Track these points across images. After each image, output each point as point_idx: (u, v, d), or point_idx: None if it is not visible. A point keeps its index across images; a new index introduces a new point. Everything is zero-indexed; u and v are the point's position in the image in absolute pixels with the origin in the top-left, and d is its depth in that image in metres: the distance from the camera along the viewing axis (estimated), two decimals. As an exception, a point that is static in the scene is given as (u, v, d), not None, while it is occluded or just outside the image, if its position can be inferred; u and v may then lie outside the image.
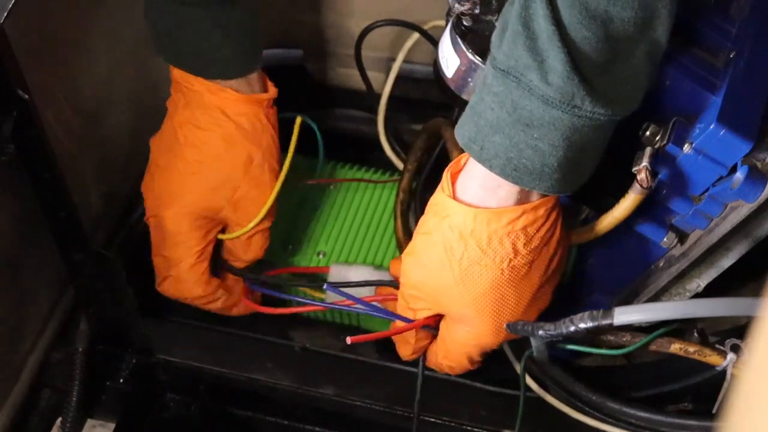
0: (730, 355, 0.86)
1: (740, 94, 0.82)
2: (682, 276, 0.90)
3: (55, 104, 1.02)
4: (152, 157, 1.05)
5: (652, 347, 0.88)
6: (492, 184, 0.83)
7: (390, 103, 1.21)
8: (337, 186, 1.17)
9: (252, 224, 1.04)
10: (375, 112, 1.21)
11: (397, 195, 1.12)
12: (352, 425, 1.10)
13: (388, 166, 1.20)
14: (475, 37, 0.92)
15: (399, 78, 1.20)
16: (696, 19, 0.86)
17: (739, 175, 0.80)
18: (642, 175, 0.83)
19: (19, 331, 1.08)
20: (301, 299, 1.06)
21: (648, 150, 0.83)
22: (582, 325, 0.84)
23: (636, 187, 0.83)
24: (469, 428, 1.04)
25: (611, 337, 0.89)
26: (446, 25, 0.95)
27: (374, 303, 0.98)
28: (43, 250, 1.06)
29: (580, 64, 0.76)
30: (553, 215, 0.86)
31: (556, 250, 0.87)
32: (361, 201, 1.16)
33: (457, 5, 0.92)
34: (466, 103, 0.85)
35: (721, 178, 0.83)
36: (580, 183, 0.83)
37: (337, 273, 1.08)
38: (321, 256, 1.12)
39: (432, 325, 0.94)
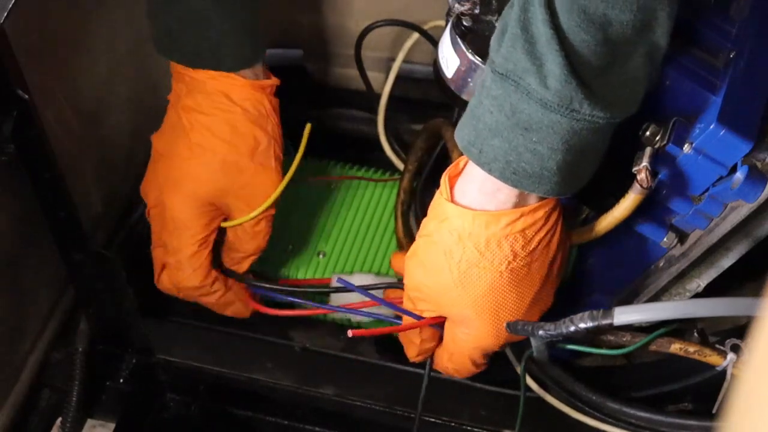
0: (730, 355, 0.85)
1: (740, 95, 0.81)
2: (682, 276, 0.90)
3: (55, 104, 1.02)
4: (154, 150, 1.04)
5: (652, 347, 0.88)
6: (491, 187, 0.83)
7: (390, 103, 1.20)
8: (337, 185, 1.17)
9: (261, 209, 1.02)
10: (375, 112, 1.21)
11: (398, 195, 1.12)
12: (352, 425, 1.10)
13: (388, 166, 1.20)
14: (475, 37, 0.92)
15: (399, 78, 1.20)
16: (696, 20, 0.86)
17: (739, 175, 0.80)
18: (642, 175, 0.83)
19: (19, 331, 1.08)
20: (305, 302, 1.05)
21: (648, 150, 0.83)
22: (582, 325, 0.84)
23: (636, 187, 0.83)
24: (469, 428, 1.04)
25: (611, 337, 0.89)
26: (446, 25, 0.95)
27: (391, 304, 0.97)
28: (43, 250, 1.06)
29: (579, 68, 0.76)
30: (553, 217, 0.86)
31: (557, 252, 0.87)
32: (361, 201, 1.15)
33: (457, 5, 0.92)
34: (466, 103, 0.84)
35: (721, 178, 0.83)
36: (579, 186, 0.83)
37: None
38: (321, 255, 1.12)
39: (439, 325, 0.94)
